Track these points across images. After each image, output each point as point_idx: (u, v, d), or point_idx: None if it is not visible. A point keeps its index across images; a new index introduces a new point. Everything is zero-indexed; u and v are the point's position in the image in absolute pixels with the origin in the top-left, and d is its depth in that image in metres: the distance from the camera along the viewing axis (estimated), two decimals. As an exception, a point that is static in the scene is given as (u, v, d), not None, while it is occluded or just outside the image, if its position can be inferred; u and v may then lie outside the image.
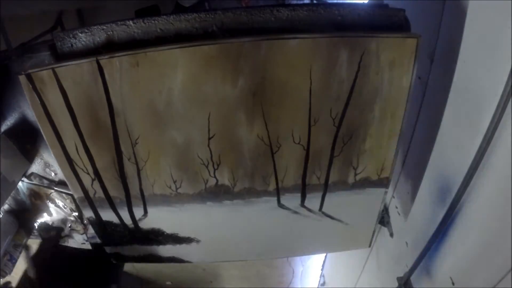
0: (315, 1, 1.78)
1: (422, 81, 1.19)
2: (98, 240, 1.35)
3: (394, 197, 1.53)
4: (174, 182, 1.11)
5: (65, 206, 1.88)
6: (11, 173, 1.56)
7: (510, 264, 0.85)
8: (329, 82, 0.93)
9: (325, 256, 3.04)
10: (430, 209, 1.24)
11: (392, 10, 0.92)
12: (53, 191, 1.78)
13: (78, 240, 2.15)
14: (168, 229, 1.29)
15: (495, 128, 0.85)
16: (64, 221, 1.99)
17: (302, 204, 1.20)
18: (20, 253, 2.06)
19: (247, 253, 1.42)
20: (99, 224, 1.26)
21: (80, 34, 0.91)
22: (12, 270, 2.03)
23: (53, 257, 2.13)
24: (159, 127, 0.99)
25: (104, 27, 0.91)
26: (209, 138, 1.01)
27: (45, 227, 2.03)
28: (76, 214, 1.93)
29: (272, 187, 1.14)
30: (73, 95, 0.93)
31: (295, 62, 0.90)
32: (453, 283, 1.11)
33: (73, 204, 1.85)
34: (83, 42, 0.92)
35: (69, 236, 2.06)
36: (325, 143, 1.05)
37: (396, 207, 1.52)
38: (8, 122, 1.49)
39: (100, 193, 1.15)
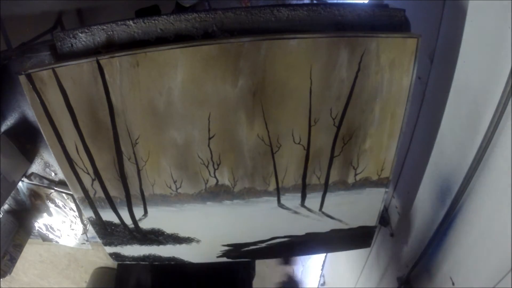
0: (315, 1, 1.78)
1: (422, 81, 1.19)
2: (99, 240, 1.35)
3: (394, 197, 1.53)
4: (174, 182, 1.11)
5: (65, 206, 1.88)
6: (11, 173, 1.55)
7: (510, 264, 0.85)
8: (329, 82, 0.93)
9: (325, 256, 3.04)
10: (430, 209, 1.24)
11: (392, 10, 0.92)
12: (53, 191, 1.78)
13: (78, 240, 2.15)
14: (168, 229, 1.29)
15: (495, 128, 0.85)
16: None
17: (302, 204, 1.20)
18: (20, 253, 2.06)
19: (247, 253, 1.42)
20: (99, 224, 1.26)
21: (80, 34, 0.91)
22: (12, 270, 2.02)
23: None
24: (159, 127, 0.99)
25: (104, 27, 0.91)
26: (209, 138, 1.01)
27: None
28: (76, 214, 1.92)
29: (272, 187, 1.14)
30: (73, 95, 0.93)
31: (295, 62, 0.90)
32: (453, 283, 1.11)
33: (73, 204, 1.85)
34: (83, 42, 0.92)
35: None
36: (325, 143, 1.05)
37: (396, 207, 1.52)
38: (8, 122, 1.49)
39: (100, 193, 1.15)
